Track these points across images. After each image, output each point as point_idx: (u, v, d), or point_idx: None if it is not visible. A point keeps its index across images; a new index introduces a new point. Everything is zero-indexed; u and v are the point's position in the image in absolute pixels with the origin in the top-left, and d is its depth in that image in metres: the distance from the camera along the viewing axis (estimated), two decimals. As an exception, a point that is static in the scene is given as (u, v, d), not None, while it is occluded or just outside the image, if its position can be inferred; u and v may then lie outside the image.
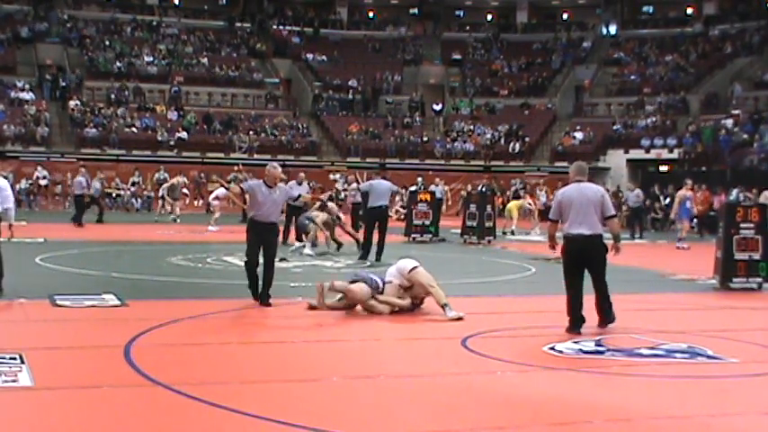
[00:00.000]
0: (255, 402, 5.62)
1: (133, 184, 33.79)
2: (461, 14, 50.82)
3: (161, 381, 6.05)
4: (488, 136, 40.29)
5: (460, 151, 39.43)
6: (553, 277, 13.99)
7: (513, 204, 25.50)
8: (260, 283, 9.70)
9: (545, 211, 33.23)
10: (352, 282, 9.40)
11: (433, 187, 28.72)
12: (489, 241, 20.58)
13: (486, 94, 43.90)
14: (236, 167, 23.38)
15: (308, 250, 16.02)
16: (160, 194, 27.41)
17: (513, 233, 24.04)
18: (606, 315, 8.63)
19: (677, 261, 16.71)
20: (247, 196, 10.17)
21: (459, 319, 8.85)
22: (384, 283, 9.39)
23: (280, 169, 10.36)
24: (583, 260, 8.56)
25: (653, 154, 36.40)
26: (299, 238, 16.74)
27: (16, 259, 14.17)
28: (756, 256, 12.16)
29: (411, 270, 9.33)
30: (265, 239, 9.80)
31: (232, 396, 5.70)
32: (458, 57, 46.14)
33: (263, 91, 42.22)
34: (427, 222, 20.68)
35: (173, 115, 38.63)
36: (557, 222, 8.79)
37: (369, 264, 14.19)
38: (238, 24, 46.81)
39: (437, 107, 42.65)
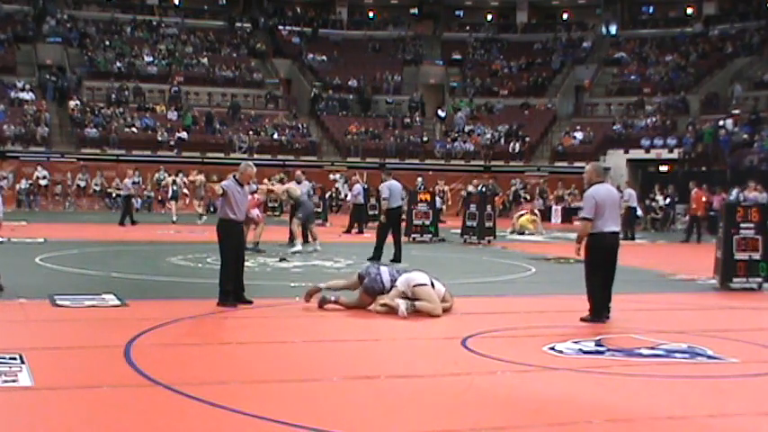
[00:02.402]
0: (255, 402, 5.62)
1: (133, 183, 33.75)
2: (461, 14, 50.84)
3: (161, 381, 6.05)
4: (488, 136, 40.30)
5: (460, 151, 39.44)
6: (553, 277, 14.05)
7: (525, 220, 25.69)
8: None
9: (545, 211, 33.47)
10: (361, 277, 9.53)
11: (470, 188, 28.88)
12: (489, 241, 20.58)
13: (487, 94, 43.92)
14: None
15: (298, 247, 16.25)
16: (170, 196, 27.37)
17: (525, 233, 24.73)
18: (608, 311, 9.20)
19: (677, 261, 16.72)
20: (221, 199, 9.91)
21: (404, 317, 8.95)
22: (392, 286, 9.41)
23: (255, 169, 10.27)
24: (610, 255, 9.16)
25: (653, 154, 36.41)
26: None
27: (16, 259, 14.19)
28: (756, 256, 12.16)
29: (415, 285, 9.34)
30: (240, 240, 9.79)
31: (232, 396, 5.70)
32: (458, 57, 46.16)
33: (263, 91, 42.23)
34: (427, 222, 20.67)
35: (173, 115, 38.65)
36: (591, 222, 9.08)
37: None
38: (238, 24, 46.83)
39: (441, 113, 42.63)
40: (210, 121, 38.52)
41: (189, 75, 41.64)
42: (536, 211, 27.29)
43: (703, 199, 23.51)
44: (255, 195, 16.71)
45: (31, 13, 42.41)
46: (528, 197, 33.77)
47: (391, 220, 15.26)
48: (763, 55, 39.97)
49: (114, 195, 33.89)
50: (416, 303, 9.22)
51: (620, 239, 9.30)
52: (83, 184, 34.01)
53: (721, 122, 33.94)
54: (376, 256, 14.69)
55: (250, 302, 9.73)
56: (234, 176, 9.97)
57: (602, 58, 44.64)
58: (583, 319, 9.07)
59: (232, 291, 9.63)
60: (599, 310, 9.09)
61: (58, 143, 36.17)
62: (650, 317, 9.14)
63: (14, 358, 6.51)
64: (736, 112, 34.44)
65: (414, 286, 9.31)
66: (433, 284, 9.44)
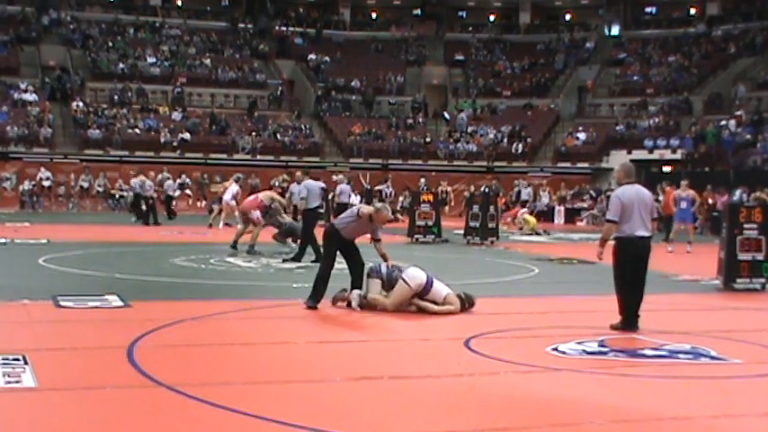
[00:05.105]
0: (258, 403, 5.63)
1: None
2: (464, 15, 50.83)
3: (164, 381, 6.06)
4: (491, 137, 40.29)
5: (463, 152, 39.44)
6: (556, 278, 14.04)
7: (531, 220, 26.05)
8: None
9: (548, 212, 33.46)
10: (369, 275, 9.81)
11: (523, 192, 28.94)
12: (492, 242, 20.57)
13: (489, 94, 43.91)
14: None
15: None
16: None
17: (540, 233, 25.05)
18: (637, 319, 8.71)
19: (680, 261, 16.70)
20: (354, 216, 9.98)
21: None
22: (387, 274, 9.67)
23: (390, 212, 10.62)
24: (641, 261, 8.69)
25: (656, 154, 36.38)
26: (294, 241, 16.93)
27: (20, 260, 14.22)
28: (760, 257, 12.14)
29: (399, 279, 9.51)
30: (335, 248, 9.95)
31: (235, 397, 5.71)
32: (461, 57, 46.14)
33: (265, 92, 42.25)
34: (430, 223, 20.67)
35: (176, 116, 38.68)
36: (616, 224, 8.68)
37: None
38: (241, 25, 46.86)
39: (447, 116, 42.63)
40: (214, 122, 38.57)
41: (192, 76, 41.67)
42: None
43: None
44: (259, 197, 16.79)
45: (34, 14, 42.46)
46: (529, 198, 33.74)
47: (312, 221, 15.23)
48: (765, 55, 39.92)
49: (118, 196, 33.95)
50: (368, 296, 9.59)
51: (650, 244, 8.73)
52: (86, 185, 34.03)
53: (723, 122, 33.91)
54: (319, 258, 14.79)
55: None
56: (372, 213, 9.89)
57: (605, 59, 44.61)
58: (613, 327, 8.61)
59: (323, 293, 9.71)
60: (631, 319, 8.62)
61: (61, 144, 36.20)
62: (653, 317, 9.10)
63: (18, 359, 6.51)
64: (740, 113, 34.38)
65: (398, 279, 9.55)
66: (430, 283, 9.49)
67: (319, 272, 9.79)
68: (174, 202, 28.09)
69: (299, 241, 16.66)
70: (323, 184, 16.60)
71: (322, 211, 26.34)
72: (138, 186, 25.96)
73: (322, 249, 10.04)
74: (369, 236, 10.04)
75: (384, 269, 9.77)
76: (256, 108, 40.49)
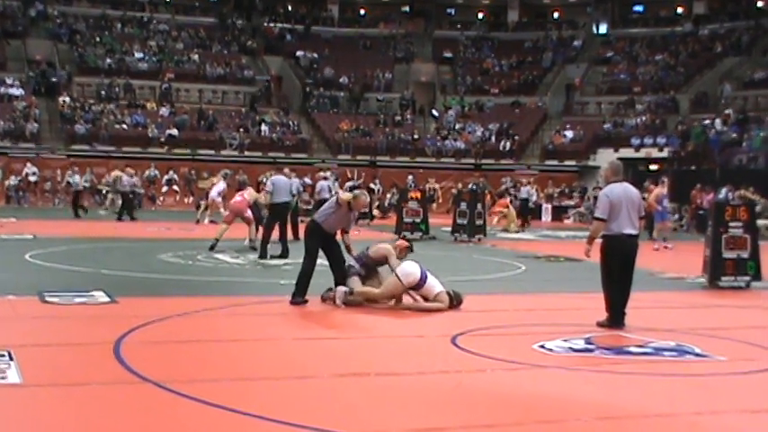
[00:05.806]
0: (245, 399, 5.62)
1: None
2: (452, 12, 50.90)
3: (151, 378, 6.04)
4: (479, 134, 40.34)
5: (451, 149, 39.48)
6: (543, 275, 14.09)
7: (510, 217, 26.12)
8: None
9: (536, 209, 33.55)
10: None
11: (523, 189, 29.05)
12: (480, 239, 20.61)
13: (477, 92, 43.99)
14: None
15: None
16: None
17: (517, 231, 25.08)
18: (623, 316, 8.74)
19: (666, 259, 16.79)
20: (334, 206, 9.96)
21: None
22: (360, 265, 9.89)
23: (368, 198, 10.75)
24: (627, 259, 8.73)
25: (642, 153, 36.55)
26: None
27: (5, 256, 14.15)
28: (745, 255, 12.22)
29: (395, 271, 9.62)
30: (318, 243, 9.94)
31: (222, 393, 5.70)
32: (449, 55, 46.21)
33: (253, 88, 42.16)
34: (418, 220, 20.69)
35: (164, 112, 38.54)
36: (605, 222, 8.69)
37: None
38: (229, 21, 46.74)
39: (435, 113, 42.68)
40: (202, 117, 38.46)
41: (179, 71, 41.54)
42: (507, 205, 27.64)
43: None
44: (245, 196, 16.80)
45: (20, 8, 42.22)
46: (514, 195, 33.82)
47: (276, 216, 15.25)
48: (752, 55, 40.15)
49: (105, 192, 33.81)
50: (355, 289, 9.65)
51: (637, 243, 8.80)
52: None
53: (707, 121, 34.06)
54: (262, 254, 14.72)
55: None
56: (350, 199, 9.92)
57: (593, 57, 44.77)
58: (600, 324, 8.65)
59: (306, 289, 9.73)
60: (617, 316, 8.66)
61: (47, 139, 36.03)
62: (640, 315, 9.15)
63: (3, 355, 6.48)
64: (728, 111, 34.54)
65: (370, 257, 9.79)
66: (424, 279, 9.52)
67: (302, 268, 9.78)
68: (161, 199, 27.90)
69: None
70: (308, 181, 16.54)
71: (309, 207, 26.50)
72: (73, 182, 26.28)
73: (304, 245, 10.00)
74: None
75: (354, 262, 9.90)
76: (256, 103, 40.38)
